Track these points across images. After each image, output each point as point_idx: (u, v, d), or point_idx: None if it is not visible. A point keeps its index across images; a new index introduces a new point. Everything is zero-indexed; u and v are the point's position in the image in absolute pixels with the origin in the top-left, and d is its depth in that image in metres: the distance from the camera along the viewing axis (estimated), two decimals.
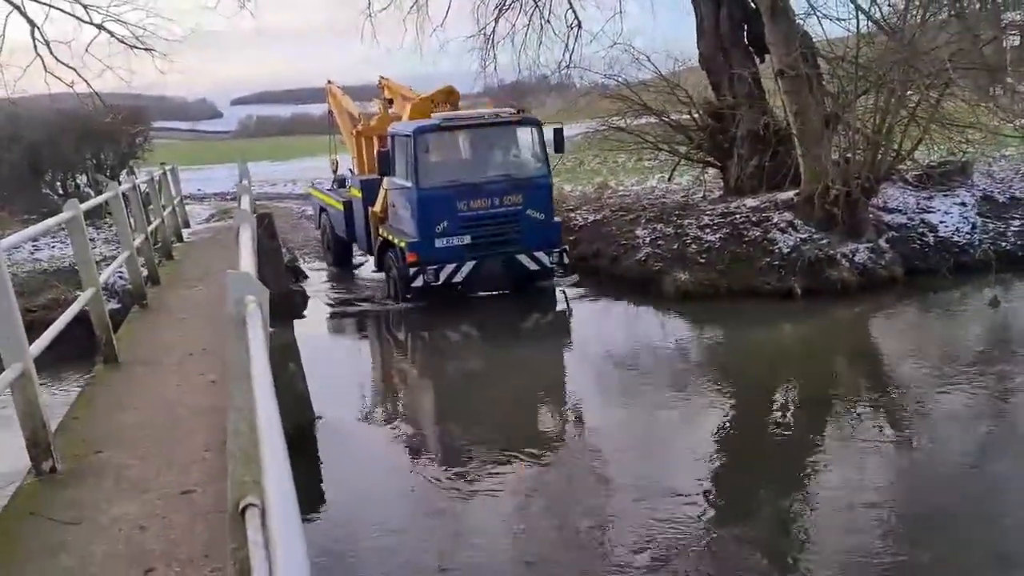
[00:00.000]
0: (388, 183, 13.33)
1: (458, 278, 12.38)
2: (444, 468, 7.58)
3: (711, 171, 17.93)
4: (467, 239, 12.38)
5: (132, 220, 8.40)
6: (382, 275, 14.01)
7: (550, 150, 13.03)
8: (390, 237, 13.15)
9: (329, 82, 17.91)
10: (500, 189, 12.51)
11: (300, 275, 15.72)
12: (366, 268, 15.93)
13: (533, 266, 12.75)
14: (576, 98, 21.14)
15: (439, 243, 12.29)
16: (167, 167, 13.60)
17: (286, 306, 10.32)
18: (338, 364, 11.07)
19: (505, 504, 6.77)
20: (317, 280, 15.97)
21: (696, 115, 17.60)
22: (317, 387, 8.56)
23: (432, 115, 12.92)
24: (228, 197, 27.53)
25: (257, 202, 15.07)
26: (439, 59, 21.71)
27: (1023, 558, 5.75)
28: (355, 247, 16.23)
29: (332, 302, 14.24)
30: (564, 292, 13.59)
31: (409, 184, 12.41)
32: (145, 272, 8.16)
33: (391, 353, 12.28)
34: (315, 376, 8.62)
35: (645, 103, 17.62)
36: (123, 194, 7.83)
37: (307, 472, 7.31)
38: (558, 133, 13.13)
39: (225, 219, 17.00)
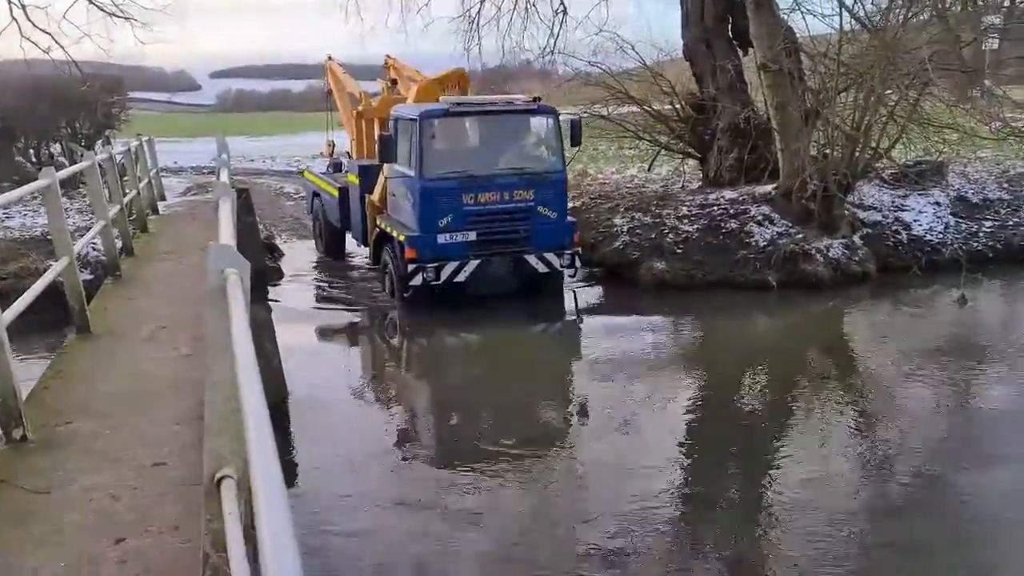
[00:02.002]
0: (388, 170, 12.33)
1: (461, 278, 11.37)
2: (422, 455, 7.56)
3: (691, 162, 18.00)
4: (472, 236, 11.36)
5: (107, 191, 8.29)
6: (373, 267, 13.32)
7: (566, 143, 12.03)
8: (388, 229, 12.17)
9: (329, 58, 16.79)
10: (510, 183, 11.55)
11: (276, 252, 15.63)
12: (357, 253, 15.27)
13: (542, 268, 11.74)
14: (559, 84, 21.08)
15: (441, 239, 11.28)
16: (144, 138, 13.41)
17: (261, 283, 10.28)
18: (323, 364, 10.45)
19: (482, 492, 6.80)
20: (303, 266, 15.30)
21: (678, 106, 17.64)
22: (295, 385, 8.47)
23: (440, 99, 11.83)
24: (205, 171, 27.27)
25: (234, 177, 14.35)
26: (421, 40, 21.36)
27: (978, 539, 5.90)
28: (349, 236, 15.18)
29: (318, 297, 13.40)
30: (574, 292, 12.86)
31: (411, 173, 11.43)
32: (119, 244, 8.05)
33: (381, 354, 11.56)
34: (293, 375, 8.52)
35: (628, 92, 17.62)
36: (98, 164, 7.72)
37: (280, 447, 7.29)
38: (575, 126, 12.14)
39: (202, 193, 16.84)
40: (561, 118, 12.18)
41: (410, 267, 11.26)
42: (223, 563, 2.26)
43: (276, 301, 13.25)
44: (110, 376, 4.79)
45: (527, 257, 11.62)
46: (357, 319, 12.33)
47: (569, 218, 12.28)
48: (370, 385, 9.88)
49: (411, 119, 11.52)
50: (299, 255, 16.10)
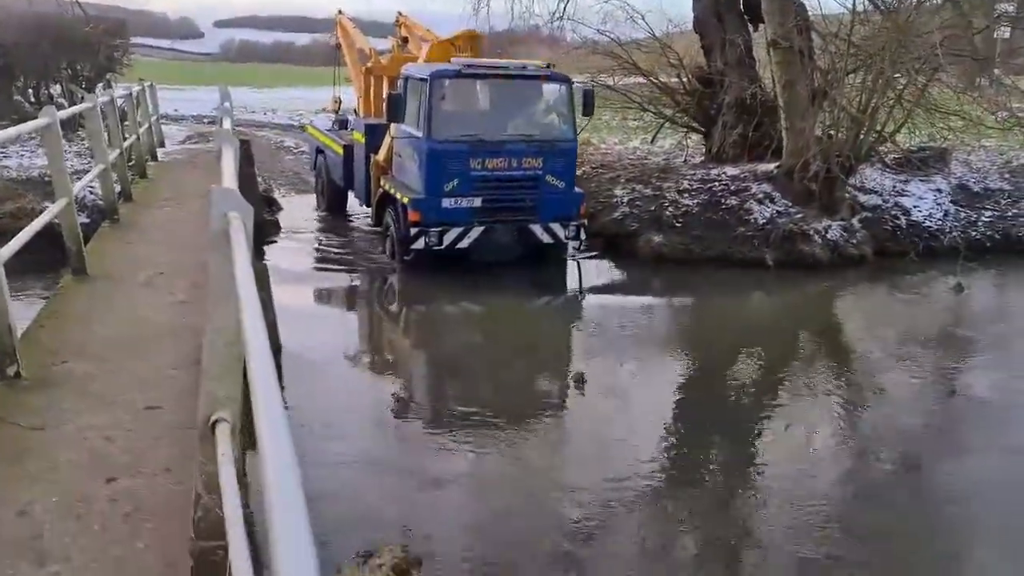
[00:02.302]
0: (395, 130, 11.94)
1: (463, 244, 11.15)
2: (408, 419, 7.58)
3: (694, 136, 17.91)
4: (477, 202, 11.14)
5: (107, 135, 8.24)
6: (374, 229, 13.03)
7: (577, 112, 11.71)
8: (392, 191, 11.85)
9: (339, 12, 16.36)
10: (519, 150, 11.27)
11: (274, 205, 15.56)
12: (359, 213, 14.96)
13: (547, 239, 11.53)
14: (568, 51, 20.87)
15: (446, 203, 11.04)
16: (146, 83, 13.30)
17: (258, 235, 10.25)
18: (319, 324, 10.20)
19: (462, 458, 6.84)
20: (302, 223, 15.07)
21: (685, 79, 17.52)
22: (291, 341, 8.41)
23: (452, 60, 11.68)
24: (205, 120, 27.06)
25: (236, 128, 13.88)
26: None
27: (953, 525, 5.99)
28: (351, 195, 14.81)
29: (316, 257, 13.17)
30: (579, 264, 12.50)
31: (419, 134, 11.16)
32: (118, 188, 8.04)
33: (377, 317, 11.36)
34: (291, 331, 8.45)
35: (635, 62, 17.47)
36: (99, 107, 7.67)
37: None
38: (588, 95, 11.82)
39: (202, 142, 16.75)
40: (574, 86, 11.96)
41: (412, 230, 11.06)
42: (215, 504, 2.28)
43: (269, 261, 13.24)
44: (106, 319, 4.80)
45: (532, 227, 11.42)
46: (355, 281, 12.10)
47: (577, 189, 12.04)
48: (364, 347, 9.83)
49: (421, 79, 11.26)
50: (298, 210, 15.95)
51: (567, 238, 11.64)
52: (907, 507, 6.17)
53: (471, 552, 5.22)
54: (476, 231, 11.16)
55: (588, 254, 12.65)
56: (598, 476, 6.29)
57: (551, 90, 11.84)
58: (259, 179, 14.05)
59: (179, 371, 4.04)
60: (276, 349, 8.40)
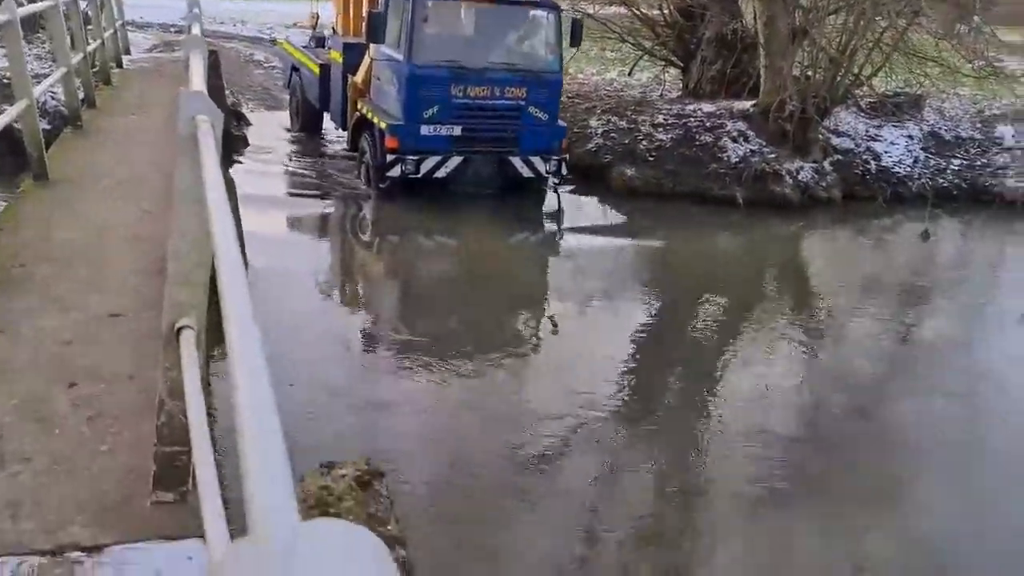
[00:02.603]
0: (375, 51, 11.52)
1: (441, 173, 10.91)
2: (370, 347, 7.56)
3: (672, 71, 17.73)
4: (457, 130, 10.86)
5: (70, 37, 7.94)
6: (349, 153, 12.63)
7: (565, 42, 11.44)
8: (369, 115, 11.45)
9: None
10: (503, 79, 10.96)
11: (243, 120, 15.23)
12: (333, 134, 14.52)
13: (527, 172, 11.31)
14: None
15: (425, 130, 10.74)
16: None
17: (225, 149, 10.01)
18: (285, 249, 9.92)
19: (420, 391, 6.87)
20: (271, 142, 14.56)
21: (666, 11, 17.24)
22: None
23: None
24: (172, 29, 26.19)
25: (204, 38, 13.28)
26: None
27: (899, 457, 6.19)
28: (327, 117, 14.36)
29: (288, 177, 12.75)
30: (558, 199, 12.16)
31: (400, 56, 10.76)
32: (81, 94, 7.78)
33: (348, 245, 11.02)
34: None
35: None
36: (62, 5, 7.36)
37: None
38: (577, 25, 11.58)
39: (169, 51, 16.23)
40: (562, 15, 11.61)
41: (389, 157, 10.73)
42: (179, 410, 2.28)
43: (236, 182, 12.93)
44: (68, 224, 4.69)
45: (512, 159, 11.16)
46: (327, 208, 11.73)
47: (560, 122, 11.75)
48: (331, 273, 9.72)
49: None
50: (267, 127, 15.59)
51: (548, 172, 11.42)
52: (852, 444, 6.35)
53: (428, 472, 5.31)
54: (454, 161, 10.87)
55: (566, 188, 12.48)
56: (557, 409, 6.34)
57: (539, 18, 11.45)
58: (227, 92, 13.69)
59: (142, 279, 3.97)
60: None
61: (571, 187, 12.78)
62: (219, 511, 1.72)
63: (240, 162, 12.78)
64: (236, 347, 1.07)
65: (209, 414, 2.47)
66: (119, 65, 11.16)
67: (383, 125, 10.86)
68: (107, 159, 6.35)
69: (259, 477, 0.70)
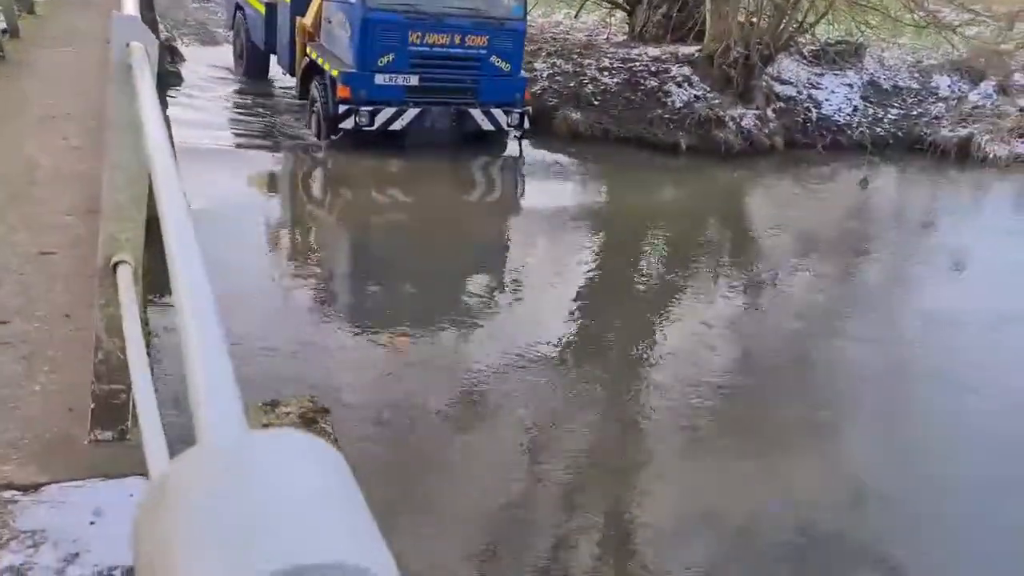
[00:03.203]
0: None
1: (397, 126, 10.29)
2: (315, 305, 7.38)
3: (619, 14, 17.60)
4: (414, 80, 10.24)
5: None
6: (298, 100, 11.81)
7: None
8: (320, 61, 10.69)
9: None
10: (463, 26, 10.37)
11: (177, 55, 14.68)
12: (283, 77, 13.44)
13: (487, 125, 10.78)
14: None
15: (379, 79, 10.09)
16: None
17: (159, 85, 9.62)
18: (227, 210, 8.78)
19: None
20: (207, 82, 13.76)
21: None
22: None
23: None
24: None
25: None
26: None
27: (833, 401, 6.37)
28: (274, 60, 13.34)
29: (229, 127, 11.84)
30: (520, 144, 11.73)
31: None
32: (2, 25, 7.43)
33: (299, 198, 10.33)
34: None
35: None
36: None
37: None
38: None
39: None
40: None
41: (341, 108, 10.08)
42: (116, 348, 2.23)
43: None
44: None
45: (472, 111, 10.62)
46: (270, 158, 10.95)
47: (523, 73, 11.24)
48: (276, 228, 9.08)
49: None
50: (203, 65, 14.93)
51: (509, 125, 10.96)
52: (785, 388, 6.52)
53: (371, 409, 5.31)
54: (411, 112, 10.30)
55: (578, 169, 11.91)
56: (499, 350, 6.36)
57: None
58: (162, 27, 13.17)
59: (74, 217, 3.86)
60: None
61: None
62: (162, 447, 1.69)
63: (174, 97, 12.19)
64: (178, 265, 1.04)
65: (148, 353, 2.42)
66: None
67: (335, 73, 10.23)
68: (33, 91, 6.09)
69: (205, 388, 0.69)
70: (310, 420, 2.78)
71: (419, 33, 10.20)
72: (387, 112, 10.19)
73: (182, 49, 15.58)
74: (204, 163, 9.37)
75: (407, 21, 10.14)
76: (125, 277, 2.12)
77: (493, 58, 10.64)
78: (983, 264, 9.53)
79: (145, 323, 2.94)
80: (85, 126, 5.14)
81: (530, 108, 11.29)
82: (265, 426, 2.75)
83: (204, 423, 0.61)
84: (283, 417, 2.84)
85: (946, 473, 5.38)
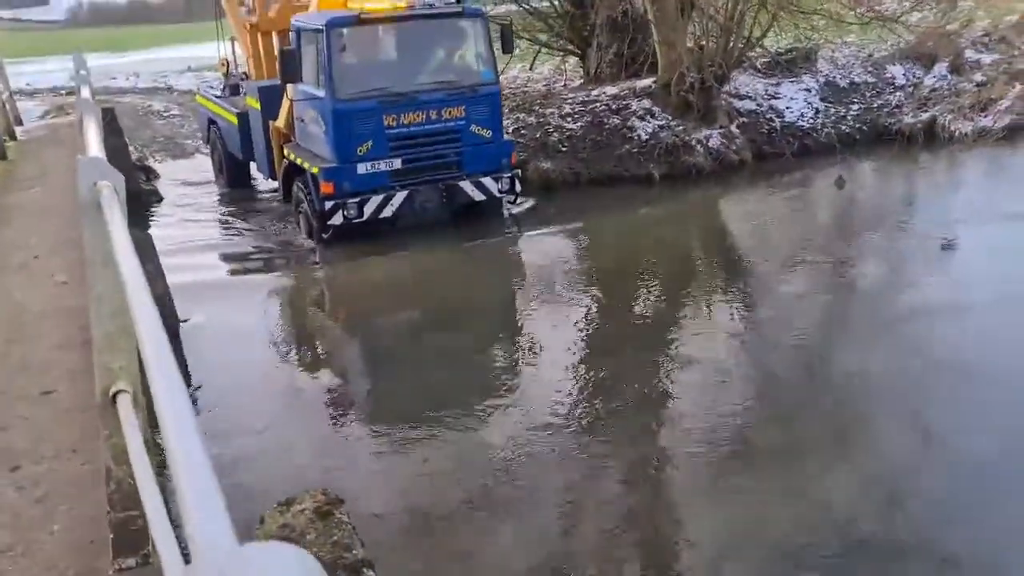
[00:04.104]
0: (293, 91, 10.53)
1: (387, 212, 10.09)
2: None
3: (571, 59, 17.98)
4: (397, 163, 10.08)
5: None
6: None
7: (496, 50, 10.75)
8: (299, 160, 10.53)
9: None
10: (437, 100, 10.22)
11: (151, 173, 14.93)
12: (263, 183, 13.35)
13: (479, 195, 10.59)
14: None
15: (361, 169, 9.91)
16: None
17: (137, 205, 9.74)
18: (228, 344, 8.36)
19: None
20: (186, 191, 13.86)
21: (556, 2, 17.48)
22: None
23: (348, 4, 10.16)
24: (62, 92, 25.47)
25: (97, 97, 11.76)
26: None
27: (849, 400, 6.41)
28: (255, 168, 13.21)
29: (223, 240, 11.58)
30: (511, 213, 11.59)
31: (321, 93, 9.95)
32: None
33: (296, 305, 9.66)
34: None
35: None
36: None
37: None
38: (506, 30, 10.97)
39: (61, 115, 15.83)
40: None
41: (328, 204, 9.87)
42: (126, 475, 2.28)
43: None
44: None
45: (461, 183, 10.42)
46: (267, 268, 10.58)
47: (506, 137, 11.15)
48: (279, 331, 8.80)
49: (316, 29, 9.95)
50: (178, 178, 15.00)
51: (501, 192, 10.77)
52: (802, 398, 6.55)
53: (391, 503, 5.25)
54: (399, 196, 10.10)
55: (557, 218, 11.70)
56: (521, 421, 6.25)
57: (464, 28, 10.77)
58: (131, 148, 13.41)
59: (68, 352, 3.93)
60: (172, 326, 8.01)
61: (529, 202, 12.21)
62: (180, 568, 1.73)
63: (155, 220, 12.18)
64: (161, 398, 1.10)
65: (160, 474, 2.47)
66: (12, 137, 10.88)
67: (315, 170, 10.04)
68: (13, 235, 6.21)
69: (193, 509, 0.75)
70: (325, 513, 2.81)
71: (393, 115, 10.02)
72: (375, 200, 10.02)
73: (155, 166, 15.85)
74: (199, 282, 9.29)
75: (379, 106, 9.96)
76: (125, 405, 2.18)
77: (473, 127, 10.47)
78: (974, 241, 9.57)
79: (155, 444, 2.99)
80: (69, 261, 5.23)
81: (519, 171, 11.15)
82: (283, 527, 2.79)
83: (196, 544, 0.67)
84: (298, 515, 2.87)
85: (981, 460, 5.36)
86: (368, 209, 9.99)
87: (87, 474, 2.84)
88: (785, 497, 5.19)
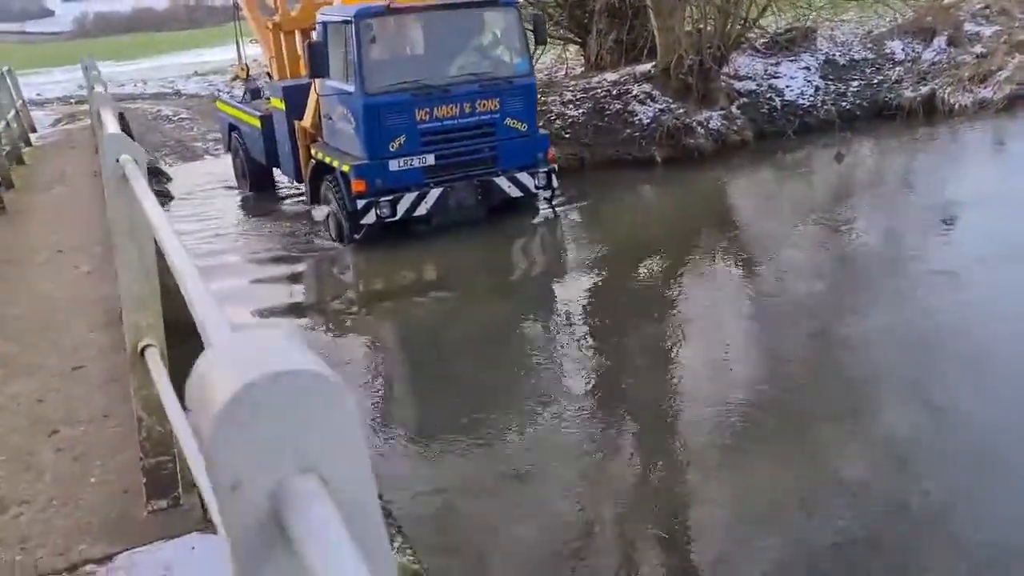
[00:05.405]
0: (321, 87, 10.18)
1: (421, 210, 9.71)
2: None
3: (572, 48, 18.15)
4: (430, 159, 9.69)
5: None
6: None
7: (530, 40, 10.39)
8: (327, 159, 10.16)
9: None
10: (471, 92, 9.81)
11: (162, 176, 15.21)
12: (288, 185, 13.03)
13: (515, 191, 10.21)
14: None
15: (394, 165, 9.53)
16: (4, 69, 12.76)
17: None
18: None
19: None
20: (197, 195, 13.76)
21: None
22: None
23: None
24: (72, 101, 25.87)
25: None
26: None
27: (855, 371, 6.58)
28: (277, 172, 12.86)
29: (247, 247, 10.95)
30: (550, 201, 11.04)
31: (350, 88, 9.53)
32: None
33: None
34: None
35: None
36: None
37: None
38: (539, 20, 10.76)
39: (73, 122, 16.15)
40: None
41: (359, 202, 9.48)
42: (156, 423, 2.51)
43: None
44: (13, 299, 4.86)
45: (496, 179, 10.06)
46: (295, 274, 9.96)
47: (541, 130, 10.79)
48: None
49: (344, 21, 9.58)
50: (191, 180, 15.17)
51: (537, 187, 10.37)
52: (813, 369, 6.71)
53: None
54: (434, 194, 9.74)
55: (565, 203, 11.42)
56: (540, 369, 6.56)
57: (496, 18, 10.39)
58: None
59: (96, 333, 4.18)
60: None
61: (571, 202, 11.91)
62: (214, 498, 1.96)
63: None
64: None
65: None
66: (28, 143, 11.19)
67: (346, 168, 9.66)
68: (37, 235, 6.48)
69: (200, 313, 0.99)
70: None
71: (426, 109, 9.63)
72: (408, 198, 9.66)
73: (167, 169, 16.12)
74: (220, 295, 8.97)
75: (411, 99, 9.58)
76: (154, 359, 2.41)
77: (508, 120, 10.09)
78: (970, 206, 9.72)
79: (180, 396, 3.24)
80: (91, 253, 5.49)
81: (555, 166, 10.70)
82: None
83: (207, 334, 0.93)
84: None
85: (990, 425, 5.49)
86: (401, 207, 9.64)
87: (119, 435, 3.08)
88: (795, 464, 5.35)
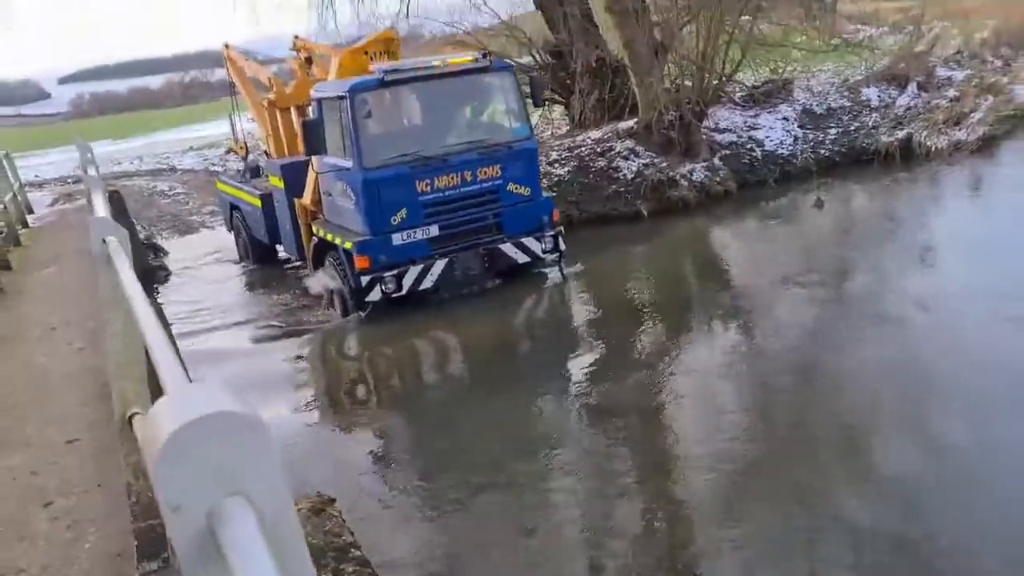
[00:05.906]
0: (318, 164, 10.03)
1: (427, 283, 9.54)
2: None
3: (556, 108, 18.59)
4: (433, 230, 9.52)
5: None
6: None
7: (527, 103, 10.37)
8: (329, 236, 9.98)
9: (226, 46, 14.16)
10: (471, 160, 9.64)
11: (160, 251, 15.42)
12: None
13: (522, 257, 10.09)
14: (426, 42, 21.20)
15: (397, 239, 9.35)
16: (1, 154, 13.06)
17: (148, 281, 10.14)
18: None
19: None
20: (198, 274, 13.69)
21: (537, 55, 18.16)
22: None
23: (370, 68, 9.72)
24: (69, 181, 26.25)
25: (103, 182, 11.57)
26: (274, 21, 21.01)
27: (848, 406, 6.68)
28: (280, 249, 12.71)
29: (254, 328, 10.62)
30: (561, 269, 10.75)
31: (348, 164, 9.37)
32: None
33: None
34: None
35: (487, 48, 17.98)
36: None
37: None
38: (536, 83, 10.73)
39: (69, 202, 16.43)
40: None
41: (364, 279, 9.29)
42: (145, 487, 2.63)
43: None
44: (7, 374, 4.99)
45: (502, 246, 9.91)
46: (299, 370, 9.28)
47: (544, 194, 10.69)
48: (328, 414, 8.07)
49: (338, 96, 9.39)
50: (188, 254, 15.24)
51: (544, 251, 10.21)
52: (806, 408, 6.82)
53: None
54: (439, 265, 9.56)
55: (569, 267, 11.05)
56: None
57: (493, 82, 10.28)
58: (139, 227, 13.92)
59: (89, 407, 4.29)
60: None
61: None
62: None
63: (158, 297, 11.82)
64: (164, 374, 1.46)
65: None
66: (25, 225, 11.41)
67: (348, 245, 9.47)
68: (33, 313, 6.63)
69: (165, 374, 1.13)
70: (319, 511, 3.16)
71: (427, 181, 9.45)
72: (414, 271, 9.47)
73: (163, 243, 16.34)
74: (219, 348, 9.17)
75: (411, 171, 9.39)
76: (141, 425, 2.54)
77: (510, 186, 9.94)
78: (949, 246, 9.94)
79: None
80: (87, 330, 5.63)
81: (562, 228, 10.48)
82: None
83: (166, 388, 1.07)
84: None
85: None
86: (407, 281, 9.44)
87: (111, 504, 3.19)
88: (793, 504, 5.44)
